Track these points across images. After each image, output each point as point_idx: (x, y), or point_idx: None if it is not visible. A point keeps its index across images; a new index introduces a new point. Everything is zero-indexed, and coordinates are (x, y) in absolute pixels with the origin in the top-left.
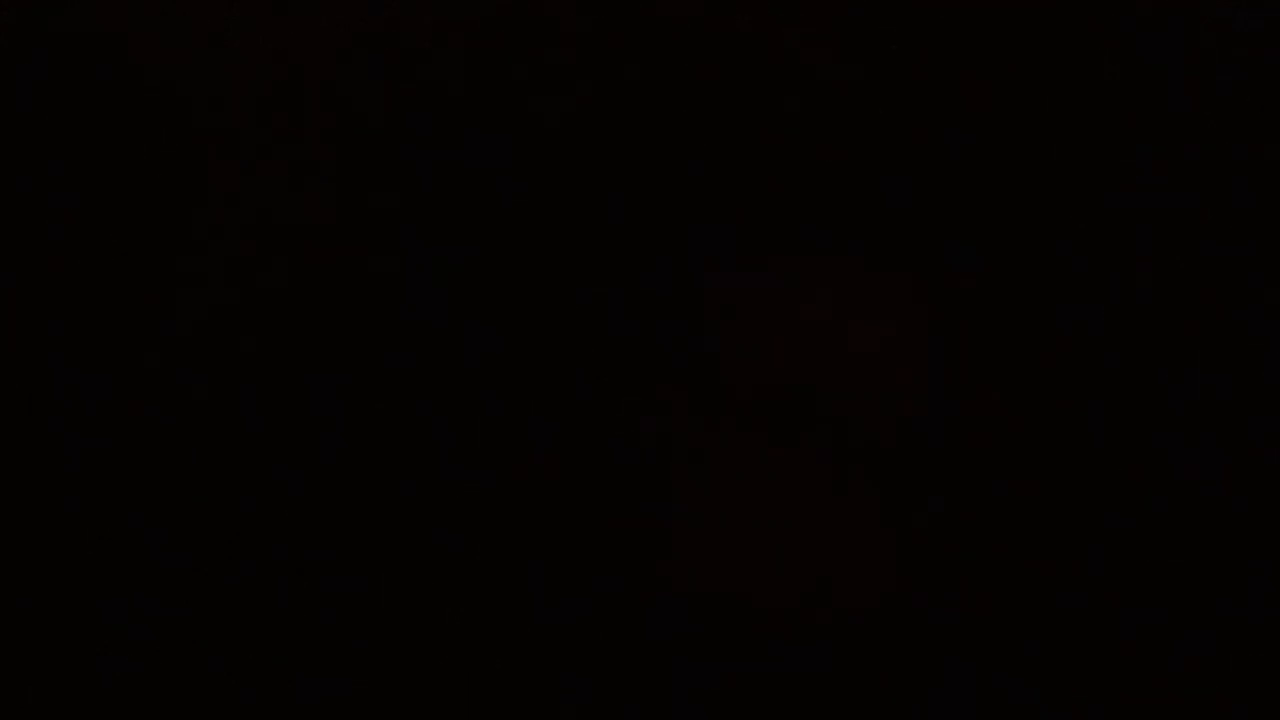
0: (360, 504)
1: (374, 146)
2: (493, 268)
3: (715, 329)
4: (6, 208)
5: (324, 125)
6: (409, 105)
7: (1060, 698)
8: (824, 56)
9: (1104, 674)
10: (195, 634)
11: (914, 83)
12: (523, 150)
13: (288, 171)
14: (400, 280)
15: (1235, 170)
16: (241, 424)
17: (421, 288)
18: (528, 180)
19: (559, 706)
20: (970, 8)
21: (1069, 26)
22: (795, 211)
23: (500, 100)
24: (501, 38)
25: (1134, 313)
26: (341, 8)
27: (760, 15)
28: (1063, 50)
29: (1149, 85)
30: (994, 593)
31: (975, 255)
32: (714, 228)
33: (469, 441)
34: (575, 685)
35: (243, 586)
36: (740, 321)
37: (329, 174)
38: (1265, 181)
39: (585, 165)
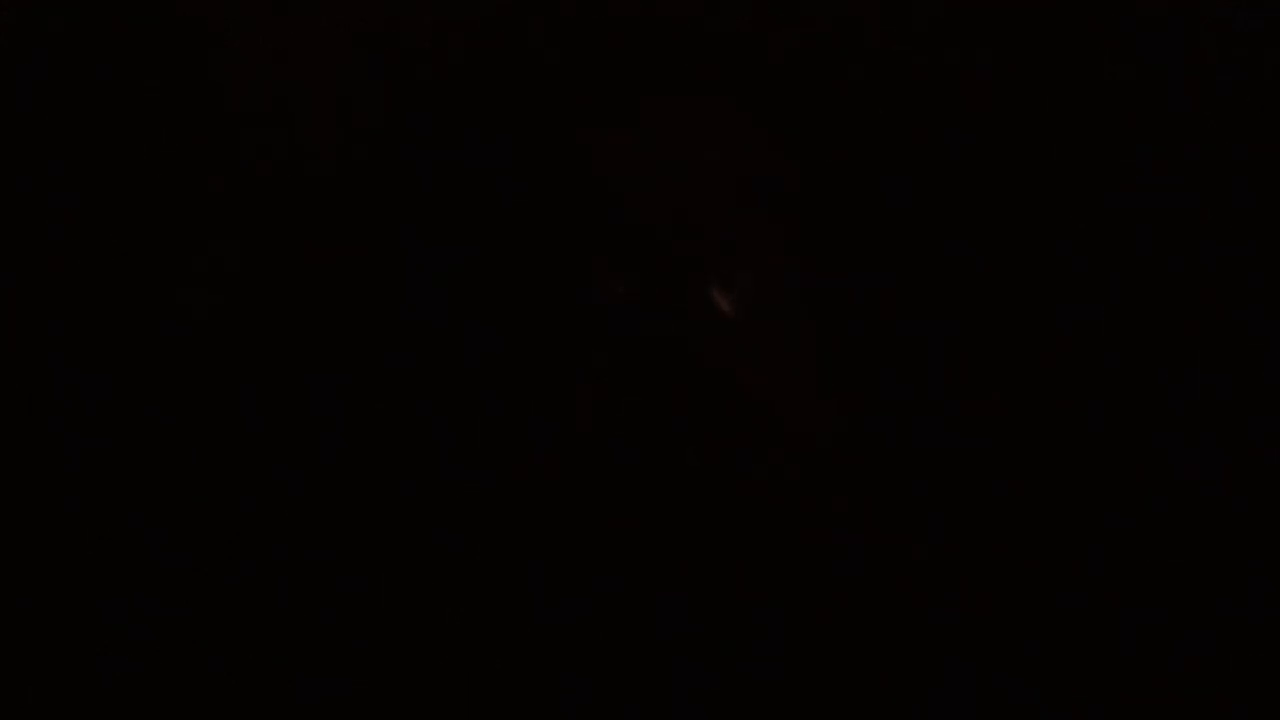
0: (360, 504)
1: (374, 146)
2: (493, 268)
3: (716, 328)
4: (5, 209)
5: (324, 125)
6: (409, 105)
7: (1060, 698)
8: (824, 57)
9: (1104, 674)
10: (195, 634)
11: (914, 83)
12: (523, 150)
13: (288, 171)
14: (400, 280)
15: (1235, 170)
16: (241, 424)
17: (421, 288)
18: (528, 180)
19: (559, 706)
20: (970, 8)
21: (1069, 26)
22: (794, 209)
23: (500, 100)
24: (501, 38)
25: (1134, 313)
26: (342, 8)
27: (760, 15)
28: (1063, 50)
29: (1149, 85)
30: (994, 593)
31: (975, 255)
32: (713, 227)
33: (469, 441)
34: (575, 685)
35: (243, 586)
36: (741, 322)
37: (329, 174)
38: (1265, 181)
39: (585, 165)
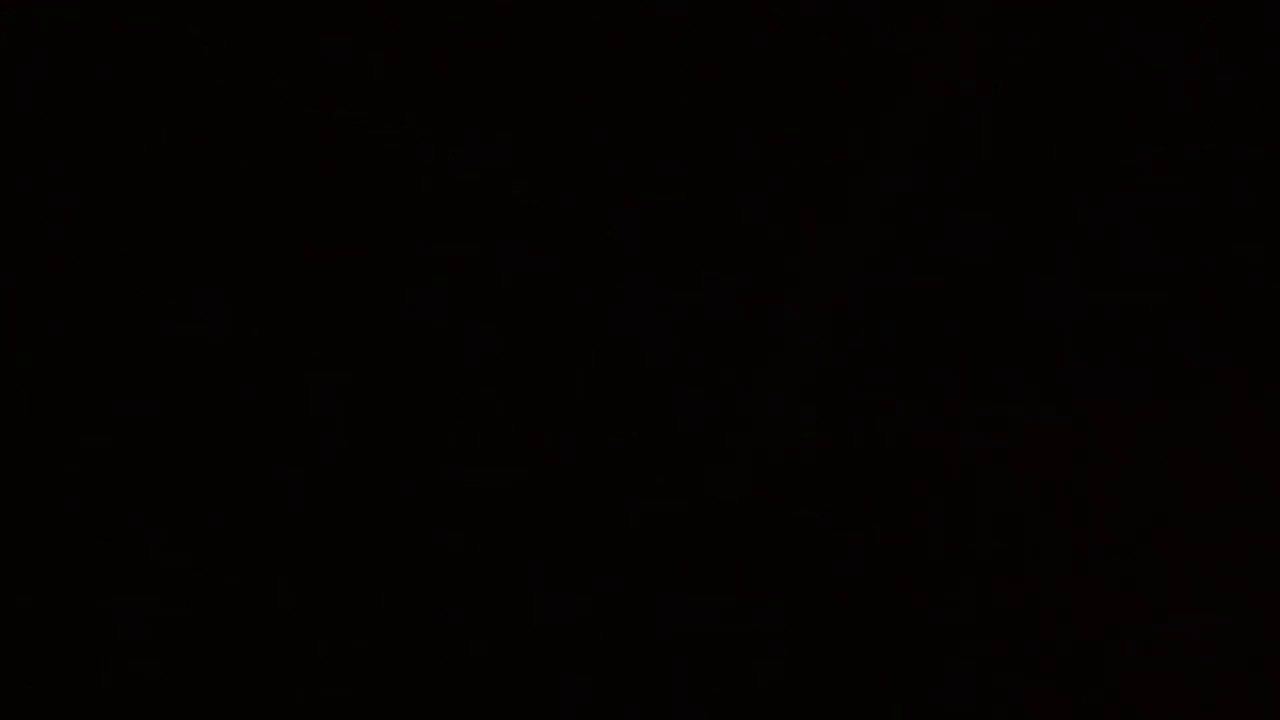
0: (360, 504)
1: (374, 146)
2: (493, 268)
3: (712, 327)
4: (5, 209)
5: (324, 125)
6: (409, 105)
7: (1060, 698)
8: (826, 56)
9: (1104, 674)
10: (195, 634)
11: (916, 82)
12: (523, 150)
13: (288, 171)
14: (400, 280)
15: (1235, 170)
16: (241, 424)
17: (421, 288)
18: (528, 180)
19: (559, 706)
20: (972, 8)
21: (1069, 26)
22: (791, 208)
23: (500, 100)
24: (501, 38)
25: (1134, 312)
26: (341, 7)
27: (760, 16)
28: (1063, 50)
29: (1149, 85)
30: (994, 587)
31: (975, 254)
32: (712, 226)
33: (469, 441)
34: (575, 685)
35: (243, 586)
36: (735, 322)
37: (330, 174)
38: (1265, 181)
39: (585, 165)
